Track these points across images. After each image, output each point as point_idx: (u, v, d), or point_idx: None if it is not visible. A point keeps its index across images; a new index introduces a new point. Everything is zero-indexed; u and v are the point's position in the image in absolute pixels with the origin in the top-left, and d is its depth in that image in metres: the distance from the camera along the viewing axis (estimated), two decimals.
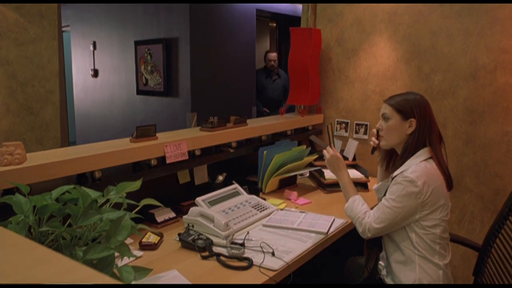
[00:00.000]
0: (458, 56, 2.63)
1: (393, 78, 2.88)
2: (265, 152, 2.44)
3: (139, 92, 5.56)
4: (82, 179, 1.69)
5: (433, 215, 1.60)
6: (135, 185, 1.32)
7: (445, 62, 2.68)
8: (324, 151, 1.99)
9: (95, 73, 6.22)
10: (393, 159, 1.90)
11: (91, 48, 6.19)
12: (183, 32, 4.91)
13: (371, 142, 1.90)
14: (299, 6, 6.42)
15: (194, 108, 4.94)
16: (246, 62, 5.67)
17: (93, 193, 1.24)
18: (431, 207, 1.59)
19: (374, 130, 1.85)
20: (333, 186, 2.48)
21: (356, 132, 3.02)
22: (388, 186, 1.72)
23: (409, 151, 1.70)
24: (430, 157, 1.66)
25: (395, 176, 1.67)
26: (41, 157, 1.59)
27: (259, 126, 2.59)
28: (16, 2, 3.28)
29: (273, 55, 5.58)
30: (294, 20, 6.55)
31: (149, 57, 5.32)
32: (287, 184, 2.56)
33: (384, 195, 1.71)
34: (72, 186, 1.28)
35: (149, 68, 5.34)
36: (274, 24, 7.19)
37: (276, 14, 6.35)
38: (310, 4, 3.18)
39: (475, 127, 2.59)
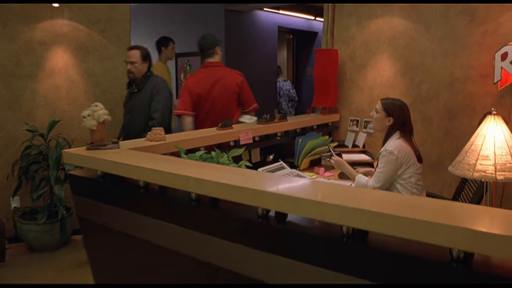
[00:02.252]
0: (440, 71, 3.58)
1: (392, 86, 3.85)
2: (300, 140, 3.40)
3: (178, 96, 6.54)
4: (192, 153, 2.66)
5: (408, 170, 2.54)
6: (240, 151, 2.29)
7: (430, 75, 3.63)
8: (331, 160, 2.95)
9: None
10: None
11: None
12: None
13: None
14: (314, 23, 7.42)
15: None
16: (269, 70, 6.65)
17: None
18: (406, 165, 2.53)
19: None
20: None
21: (365, 127, 3.99)
22: (379, 159, 2.67)
23: (388, 136, 2.64)
24: (399, 137, 2.59)
25: (381, 152, 2.62)
26: (169, 138, 2.55)
27: (295, 121, 3.56)
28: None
29: (129, 54, 3.71)
30: (309, 34, 7.56)
31: (188, 67, 6.31)
32: (315, 164, 3.52)
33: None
34: (204, 151, 2.25)
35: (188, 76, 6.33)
36: (291, 36, 8.17)
37: (293, 29, 7.33)
38: (328, 28, 4.15)
39: (452, 123, 3.54)
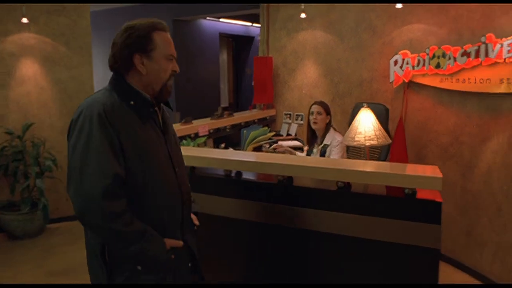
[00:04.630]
0: (353, 73, 4.55)
1: (316, 86, 4.78)
2: (244, 131, 4.23)
3: None
4: None
5: (345, 151, 3.41)
6: (203, 139, 3.08)
7: (346, 76, 4.60)
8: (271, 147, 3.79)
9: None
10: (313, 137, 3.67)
11: None
12: None
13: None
14: (251, 28, 8.29)
15: (178, 109, 6.64)
16: (212, 71, 7.44)
17: (190, 142, 2.98)
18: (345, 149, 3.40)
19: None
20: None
21: (296, 119, 4.90)
22: (326, 150, 3.49)
23: (327, 131, 3.51)
24: (334, 130, 3.46)
25: (329, 144, 3.43)
26: None
27: (240, 116, 4.41)
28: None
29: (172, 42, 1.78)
30: (247, 38, 8.44)
31: None
32: (257, 150, 4.35)
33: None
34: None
35: None
36: (231, 39, 9.01)
37: (233, 35, 8.18)
38: (264, 40, 5.02)
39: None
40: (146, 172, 1.52)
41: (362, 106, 2.78)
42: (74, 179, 1.45)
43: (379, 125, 2.62)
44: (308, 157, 2.96)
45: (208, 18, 7.09)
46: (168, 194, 1.60)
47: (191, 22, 6.87)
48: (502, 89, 3.16)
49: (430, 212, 1.76)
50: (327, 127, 3.48)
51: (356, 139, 2.51)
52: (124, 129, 1.49)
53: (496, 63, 3.16)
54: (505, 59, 3.05)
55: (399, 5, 3.96)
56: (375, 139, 2.45)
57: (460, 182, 3.63)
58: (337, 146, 3.31)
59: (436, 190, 1.82)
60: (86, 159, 1.44)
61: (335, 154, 3.35)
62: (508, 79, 3.10)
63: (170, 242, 1.56)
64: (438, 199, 1.77)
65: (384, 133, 2.59)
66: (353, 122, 2.69)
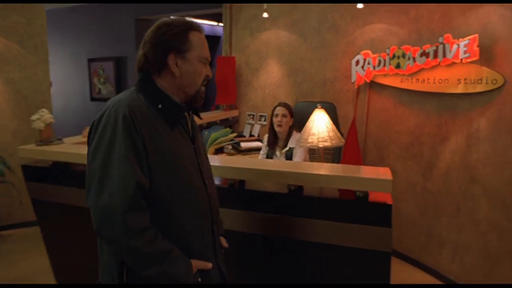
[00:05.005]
0: (316, 73, 4.52)
1: (280, 86, 4.73)
2: (206, 132, 4.13)
3: (93, 99, 6.97)
4: None
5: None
6: None
7: (309, 76, 4.56)
8: None
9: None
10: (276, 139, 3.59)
11: None
12: (131, 52, 6.43)
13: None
14: (217, 28, 8.18)
15: None
16: None
17: None
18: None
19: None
20: (246, 152, 4.23)
21: (259, 120, 4.84)
22: (292, 153, 3.41)
23: (291, 134, 3.43)
24: (297, 131, 3.40)
25: (294, 146, 3.36)
26: None
27: (202, 117, 4.29)
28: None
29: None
30: (213, 38, 8.33)
31: (101, 71, 6.76)
32: (219, 151, 4.28)
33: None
34: None
35: (101, 80, 6.78)
36: None
37: None
38: (227, 39, 4.94)
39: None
40: (172, 182, 1.40)
41: (316, 107, 2.73)
42: (94, 187, 1.33)
43: (333, 126, 2.58)
44: (260, 159, 2.90)
45: (172, 17, 6.94)
46: (196, 209, 1.47)
47: (155, 21, 6.70)
48: (460, 89, 3.17)
49: (381, 215, 1.72)
50: (290, 129, 3.43)
51: (310, 140, 2.46)
52: (149, 134, 1.36)
53: (453, 63, 3.17)
54: (461, 59, 3.06)
55: (360, 5, 3.94)
56: (329, 140, 2.40)
57: (421, 182, 3.64)
58: (300, 148, 3.26)
59: (387, 193, 1.78)
60: (108, 165, 1.32)
61: (298, 156, 3.31)
62: (465, 79, 3.12)
63: (196, 264, 1.43)
64: (389, 202, 1.73)
65: (338, 134, 2.54)
66: (307, 123, 2.64)
